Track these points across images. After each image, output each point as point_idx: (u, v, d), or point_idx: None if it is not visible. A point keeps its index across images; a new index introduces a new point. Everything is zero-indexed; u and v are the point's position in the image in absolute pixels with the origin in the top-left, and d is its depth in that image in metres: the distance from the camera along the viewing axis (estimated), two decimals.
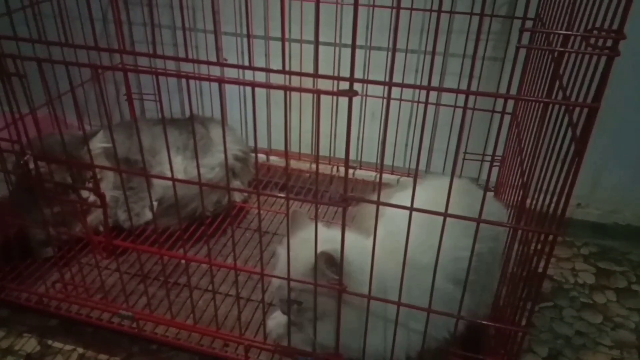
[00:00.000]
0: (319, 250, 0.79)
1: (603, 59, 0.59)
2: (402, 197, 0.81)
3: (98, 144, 1.18)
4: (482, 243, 0.79)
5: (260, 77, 1.41)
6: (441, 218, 0.73)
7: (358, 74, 1.36)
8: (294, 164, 1.54)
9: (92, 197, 1.10)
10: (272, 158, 1.56)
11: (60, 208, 1.04)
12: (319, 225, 0.78)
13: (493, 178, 1.33)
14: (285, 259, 0.81)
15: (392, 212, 0.78)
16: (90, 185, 1.12)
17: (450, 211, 0.72)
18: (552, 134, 0.71)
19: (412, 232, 0.75)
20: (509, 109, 1.21)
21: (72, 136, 1.13)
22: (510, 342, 0.82)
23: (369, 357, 0.89)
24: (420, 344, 0.87)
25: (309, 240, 0.80)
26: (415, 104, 1.39)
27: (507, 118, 1.20)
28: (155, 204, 1.23)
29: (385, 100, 0.88)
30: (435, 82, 1.30)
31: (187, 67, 1.41)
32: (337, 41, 1.37)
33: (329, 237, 0.81)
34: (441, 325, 0.88)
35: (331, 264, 0.80)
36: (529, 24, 1.15)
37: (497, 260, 0.94)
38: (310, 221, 0.89)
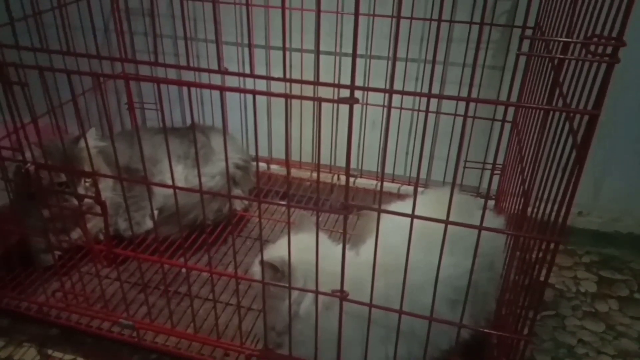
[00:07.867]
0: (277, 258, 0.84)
1: (603, 66, 0.59)
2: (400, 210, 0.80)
3: (92, 142, 1.16)
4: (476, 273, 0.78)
5: (261, 86, 1.41)
6: (435, 238, 0.73)
7: (358, 83, 1.36)
8: (294, 172, 1.54)
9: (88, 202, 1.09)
10: (273, 167, 1.57)
11: (59, 212, 1.03)
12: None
13: (494, 186, 1.32)
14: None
15: (386, 228, 0.78)
16: (86, 188, 1.12)
17: (448, 235, 0.72)
18: (552, 142, 0.71)
19: (403, 250, 0.75)
20: (510, 116, 1.21)
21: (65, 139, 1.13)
22: (513, 351, 0.82)
23: None
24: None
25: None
26: (415, 113, 1.39)
27: (507, 126, 1.20)
28: (156, 212, 1.23)
29: (385, 108, 0.88)
30: (435, 91, 1.31)
31: (188, 76, 1.42)
32: (338, 50, 1.37)
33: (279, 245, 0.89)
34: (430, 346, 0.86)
35: (273, 270, 0.85)
36: (528, 32, 1.15)
37: (493, 291, 0.95)
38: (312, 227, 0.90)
